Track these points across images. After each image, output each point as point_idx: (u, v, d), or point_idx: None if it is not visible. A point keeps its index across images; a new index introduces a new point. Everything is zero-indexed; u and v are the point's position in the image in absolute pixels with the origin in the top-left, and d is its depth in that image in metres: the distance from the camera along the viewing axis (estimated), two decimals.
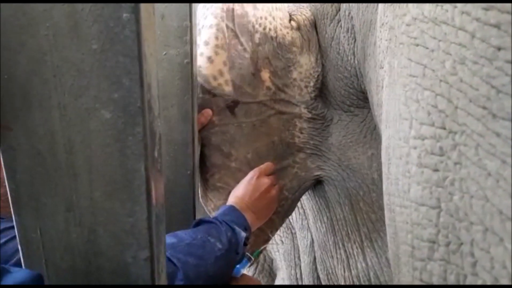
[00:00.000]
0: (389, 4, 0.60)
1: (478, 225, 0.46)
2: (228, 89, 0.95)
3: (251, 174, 1.00)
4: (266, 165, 1.03)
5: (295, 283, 1.32)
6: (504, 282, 0.44)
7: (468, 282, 0.48)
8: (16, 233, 0.50)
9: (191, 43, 0.88)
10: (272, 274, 1.46)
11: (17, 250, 0.51)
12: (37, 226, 0.49)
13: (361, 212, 1.03)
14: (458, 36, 0.46)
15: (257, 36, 0.96)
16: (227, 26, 0.93)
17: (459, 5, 0.46)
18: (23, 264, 0.51)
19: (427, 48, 0.51)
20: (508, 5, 0.41)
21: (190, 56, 0.89)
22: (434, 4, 0.49)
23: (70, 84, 0.43)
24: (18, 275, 0.44)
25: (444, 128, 0.49)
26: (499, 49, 0.42)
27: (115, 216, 0.48)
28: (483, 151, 0.45)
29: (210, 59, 0.92)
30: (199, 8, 0.97)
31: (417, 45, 0.52)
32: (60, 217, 0.48)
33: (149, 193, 0.47)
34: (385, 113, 0.63)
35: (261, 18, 0.96)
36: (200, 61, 0.92)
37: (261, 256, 1.46)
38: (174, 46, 0.88)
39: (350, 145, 1.01)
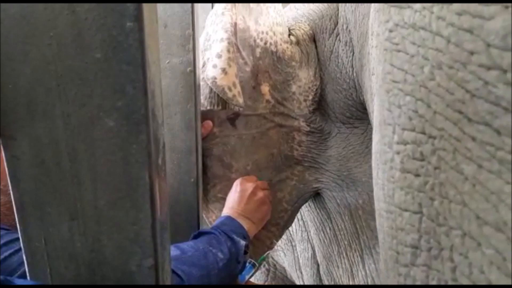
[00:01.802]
0: (376, 10, 0.60)
1: (456, 230, 0.46)
2: (241, 100, 0.97)
3: (235, 184, 1.01)
4: (249, 176, 1.05)
5: None
6: None
7: None
8: (21, 243, 0.50)
9: (194, 51, 0.89)
10: (286, 280, 1.48)
11: (22, 263, 0.51)
12: (41, 235, 0.49)
13: (360, 220, 1.04)
14: (435, 42, 0.47)
15: (258, 50, 0.98)
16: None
17: (435, 10, 0.46)
18: (27, 274, 0.51)
19: (407, 53, 0.51)
20: (480, 9, 0.41)
21: (193, 64, 0.89)
22: (414, 10, 0.49)
23: (74, 93, 0.43)
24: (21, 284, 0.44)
25: (424, 133, 0.49)
26: (472, 53, 0.42)
27: (119, 225, 0.48)
28: (460, 156, 0.45)
29: (224, 71, 0.93)
30: (208, 22, 0.98)
31: (399, 51, 0.52)
32: (65, 226, 0.48)
33: (153, 201, 0.47)
34: (374, 119, 0.64)
35: (262, 33, 0.98)
36: (214, 73, 0.93)
37: (273, 264, 1.47)
38: (177, 55, 0.88)
39: (351, 156, 1.02)
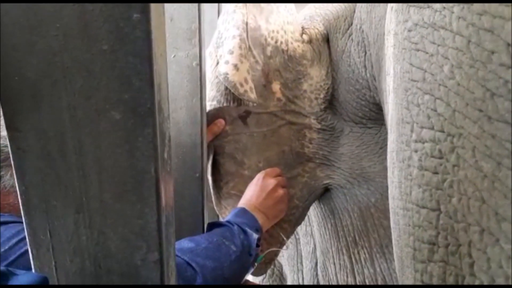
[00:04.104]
0: (394, 10, 0.61)
1: (475, 226, 0.47)
2: (253, 96, 0.97)
3: (257, 176, 1.02)
4: (272, 168, 1.05)
5: None
6: (500, 281, 0.45)
7: (466, 282, 0.49)
8: (26, 235, 0.49)
9: (200, 45, 0.88)
10: (282, 279, 1.48)
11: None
12: (46, 228, 0.49)
13: (371, 218, 1.04)
14: (455, 41, 0.48)
15: (269, 49, 0.99)
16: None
17: (456, 10, 0.47)
18: (32, 266, 0.51)
19: (427, 53, 0.52)
20: (500, 9, 0.42)
21: (199, 58, 0.88)
22: (434, 10, 0.50)
23: (80, 85, 0.43)
24: (24, 277, 0.43)
25: (443, 131, 0.50)
26: (492, 52, 0.43)
27: (124, 218, 0.48)
28: (479, 153, 0.46)
29: (236, 67, 0.93)
30: (220, 21, 0.99)
31: (418, 50, 0.53)
32: (70, 219, 0.48)
33: (159, 195, 0.47)
34: (390, 118, 0.64)
35: (273, 31, 0.98)
36: (226, 69, 0.93)
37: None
38: (183, 49, 0.88)
39: (365, 155, 1.02)
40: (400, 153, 0.58)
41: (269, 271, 1.49)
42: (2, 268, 0.43)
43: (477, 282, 0.48)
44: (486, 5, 0.43)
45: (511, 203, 0.43)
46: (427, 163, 0.52)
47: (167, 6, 0.85)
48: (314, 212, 1.20)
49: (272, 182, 1.01)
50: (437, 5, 0.50)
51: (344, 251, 1.11)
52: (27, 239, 0.50)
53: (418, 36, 0.53)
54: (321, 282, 1.20)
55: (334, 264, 1.14)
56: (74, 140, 0.45)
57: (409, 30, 0.55)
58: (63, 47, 0.42)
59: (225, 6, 0.99)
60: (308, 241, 1.26)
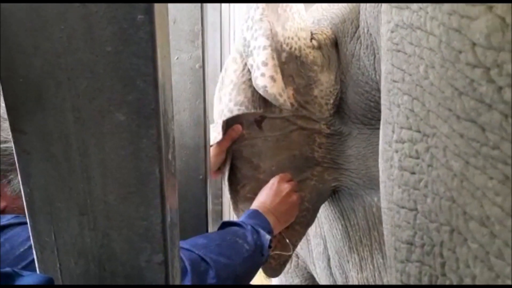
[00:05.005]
0: (382, 11, 0.61)
1: (446, 226, 0.47)
2: (289, 104, 0.99)
3: (272, 181, 1.05)
4: (285, 174, 1.08)
5: None
6: (468, 282, 0.45)
7: (439, 282, 0.49)
8: (31, 237, 0.49)
9: (203, 47, 0.89)
10: (308, 269, 1.56)
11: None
12: (51, 230, 0.49)
13: (373, 216, 1.07)
14: (429, 41, 0.48)
15: (283, 55, 0.99)
16: None
17: (429, 10, 0.47)
18: (37, 268, 0.51)
19: (406, 53, 0.52)
20: (467, 9, 0.43)
21: (202, 60, 0.89)
22: (412, 10, 0.50)
23: (84, 87, 0.43)
24: (29, 278, 0.43)
25: (419, 131, 0.50)
26: (460, 52, 0.44)
27: (129, 220, 0.48)
28: (450, 153, 0.46)
29: (273, 78, 0.94)
30: (244, 27, 0.99)
31: (398, 51, 0.54)
32: (74, 221, 0.48)
33: (163, 196, 0.47)
34: (381, 119, 0.65)
35: (288, 38, 0.99)
36: (264, 82, 0.94)
37: (296, 254, 1.58)
38: (186, 51, 0.88)
39: (370, 155, 1.03)
40: (384, 154, 0.58)
41: (294, 263, 1.59)
42: (8, 268, 0.43)
43: (447, 282, 0.48)
44: (455, 5, 0.44)
45: (477, 202, 0.43)
46: (405, 163, 0.53)
47: (170, 8, 0.85)
48: (324, 214, 1.24)
49: (286, 187, 1.03)
50: (415, 6, 0.50)
51: (354, 249, 1.15)
52: (32, 242, 0.50)
53: (399, 37, 0.53)
54: (339, 279, 1.25)
55: (348, 262, 1.19)
56: (78, 142, 0.45)
57: (392, 31, 0.55)
58: (67, 48, 0.42)
59: (226, 8, 0.99)
60: (319, 242, 1.31)
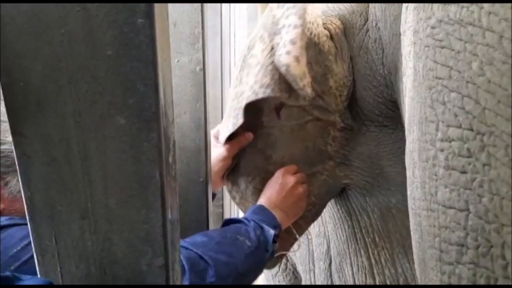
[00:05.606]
0: (412, 9, 0.60)
1: (508, 227, 0.46)
2: (310, 90, 0.93)
3: (277, 174, 1.02)
4: (290, 166, 1.05)
5: None
6: None
7: (500, 283, 0.48)
8: (31, 241, 0.49)
9: (203, 50, 0.89)
10: (296, 273, 1.50)
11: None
12: (52, 233, 0.48)
13: (393, 219, 1.03)
14: (485, 37, 0.47)
15: (304, 39, 0.94)
16: None
17: (485, 5, 0.46)
18: (38, 272, 0.51)
19: (453, 50, 0.51)
20: None
21: (203, 63, 0.89)
22: (460, 6, 0.50)
23: (85, 91, 0.43)
24: (29, 282, 0.43)
25: (472, 130, 0.49)
26: None
27: (130, 223, 0.48)
28: None
29: (297, 59, 0.89)
30: (274, 5, 0.94)
31: (443, 47, 0.52)
32: (75, 225, 0.48)
33: (164, 200, 0.47)
34: (409, 117, 0.63)
35: (309, 22, 0.93)
36: (288, 60, 0.89)
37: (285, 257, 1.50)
38: (187, 53, 0.88)
39: (383, 155, 1.01)
40: (423, 153, 0.57)
41: (282, 266, 1.51)
42: (8, 273, 0.43)
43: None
44: None
45: None
46: (454, 163, 0.51)
47: (170, 11, 0.85)
48: (329, 214, 1.19)
49: (292, 179, 1.01)
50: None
51: (363, 252, 1.10)
52: (32, 245, 0.50)
53: (443, 33, 0.52)
54: (337, 283, 1.20)
55: (352, 265, 1.14)
56: (79, 146, 0.45)
57: (433, 27, 0.54)
58: (68, 53, 0.42)
59: (226, 11, 0.99)
60: (322, 242, 1.26)
